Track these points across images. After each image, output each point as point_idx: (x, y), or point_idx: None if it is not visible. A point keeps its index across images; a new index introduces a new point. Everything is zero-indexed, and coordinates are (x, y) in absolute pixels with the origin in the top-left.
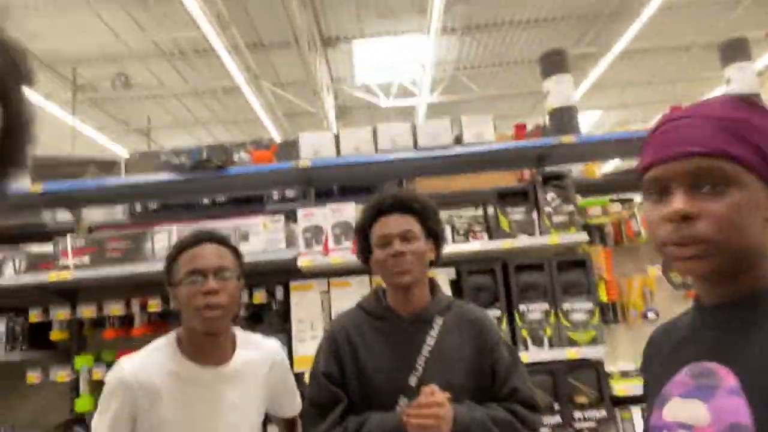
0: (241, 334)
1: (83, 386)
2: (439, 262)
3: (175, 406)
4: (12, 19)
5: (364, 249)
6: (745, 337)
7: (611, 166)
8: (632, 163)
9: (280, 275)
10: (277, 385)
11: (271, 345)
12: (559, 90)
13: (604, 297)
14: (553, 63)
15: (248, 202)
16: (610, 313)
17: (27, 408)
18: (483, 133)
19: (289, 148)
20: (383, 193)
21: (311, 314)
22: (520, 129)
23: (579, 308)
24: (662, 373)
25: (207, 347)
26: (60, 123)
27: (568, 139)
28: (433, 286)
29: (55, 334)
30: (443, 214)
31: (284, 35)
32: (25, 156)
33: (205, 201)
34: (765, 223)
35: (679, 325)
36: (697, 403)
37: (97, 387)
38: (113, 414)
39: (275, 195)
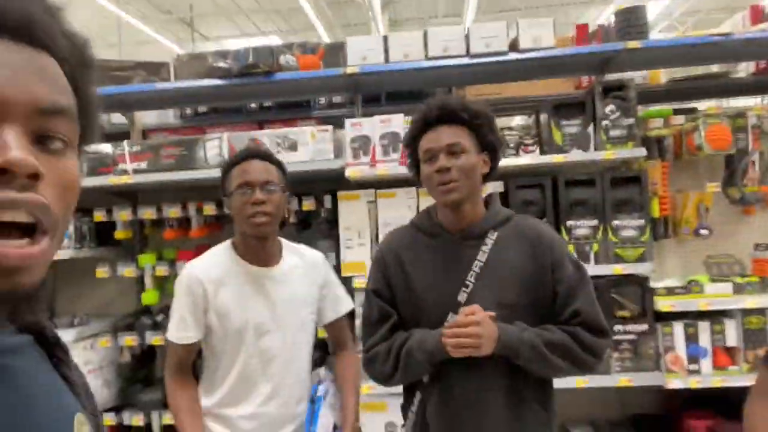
0: (287, 243)
1: (148, 281)
2: (494, 175)
3: (233, 294)
4: None
5: (414, 163)
6: None
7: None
8: (701, 69)
9: (329, 184)
10: (321, 289)
11: (315, 254)
12: None
13: (656, 212)
14: None
15: (295, 107)
16: (661, 229)
17: (97, 300)
18: (541, 37)
19: (336, 52)
20: (430, 103)
21: (358, 223)
22: (582, 31)
23: (629, 225)
24: None
25: (257, 250)
26: (106, 13)
27: (633, 44)
28: (489, 200)
29: (119, 234)
30: (503, 121)
31: None
32: (97, 132)
33: (253, 105)
34: None
35: None
36: None
37: (160, 282)
38: (188, 300)
39: (322, 100)
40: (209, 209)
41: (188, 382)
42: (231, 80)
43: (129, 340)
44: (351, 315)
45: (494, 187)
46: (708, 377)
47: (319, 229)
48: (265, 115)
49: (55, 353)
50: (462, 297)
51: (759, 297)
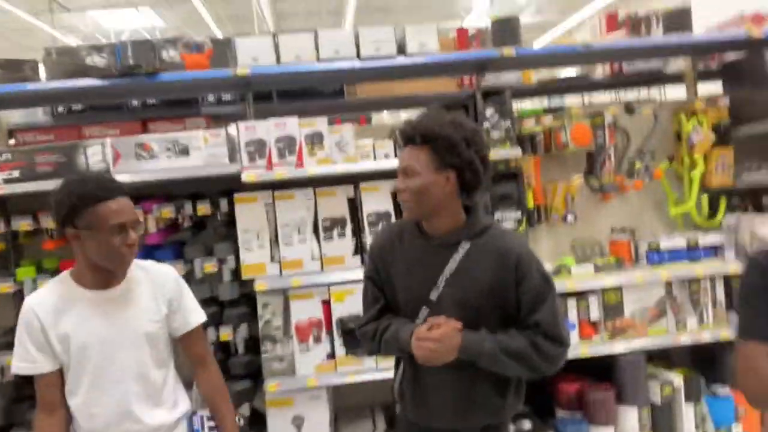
0: (135, 262)
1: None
2: (478, 185)
3: (74, 321)
4: None
5: None
6: None
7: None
8: (567, 71)
9: (224, 184)
10: (170, 303)
11: (163, 268)
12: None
13: (530, 203)
14: None
15: (182, 105)
16: (535, 216)
17: None
18: (427, 42)
19: (224, 49)
20: (402, 124)
21: (257, 225)
22: (463, 35)
23: (509, 217)
24: None
25: (104, 278)
26: None
27: (509, 51)
28: (470, 210)
29: None
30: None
31: None
32: None
33: (135, 103)
34: None
35: None
36: None
37: None
38: (25, 332)
39: (210, 98)
40: None
41: (54, 416)
42: (112, 81)
43: (9, 359)
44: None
45: (389, 186)
46: (576, 348)
47: (216, 231)
48: (150, 112)
49: None
50: (433, 295)
51: (615, 276)
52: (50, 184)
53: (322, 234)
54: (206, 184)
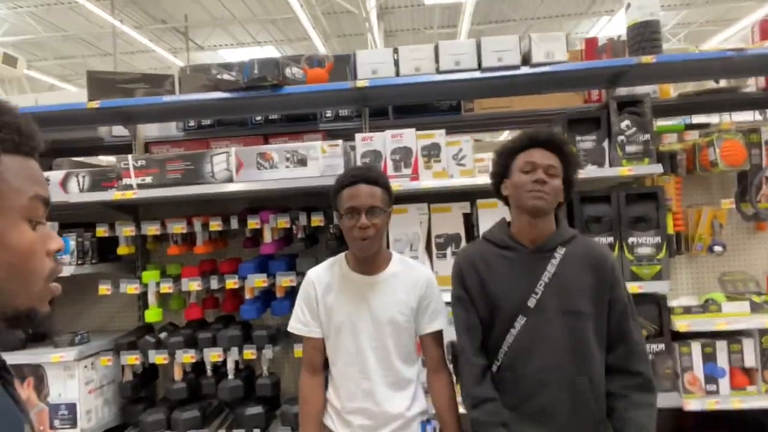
0: (398, 256)
1: (151, 298)
2: (565, 201)
3: (338, 296)
4: None
5: (501, 172)
6: None
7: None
8: (711, 83)
9: None
10: (421, 300)
11: (422, 268)
12: (642, 2)
13: (670, 229)
14: None
15: (301, 120)
16: (674, 245)
17: (98, 317)
18: (554, 51)
19: (343, 65)
20: (537, 130)
21: None
22: (591, 45)
23: (645, 242)
24: None
25: (361, 262)
26: (101, 22)
27: (647, 59)
28: (558, 219)
29: (122, 249)
30: (506, 135)
31: None
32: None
33: (258, 118)
34: None
35: None
36: None
37: (163, 299)
38: (303, 298)
39: (328, 113)
40: (215, 225)
41: (315, 376)
42: (239, 93)
43: (131, 358)
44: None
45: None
46: (726, 398)
47: (327, 244)
48: (271, 128)
49: (1, 374)
50: (531, 302)
51: None
52: (178, 190)
53: (435, 251)
54: (321, 197)
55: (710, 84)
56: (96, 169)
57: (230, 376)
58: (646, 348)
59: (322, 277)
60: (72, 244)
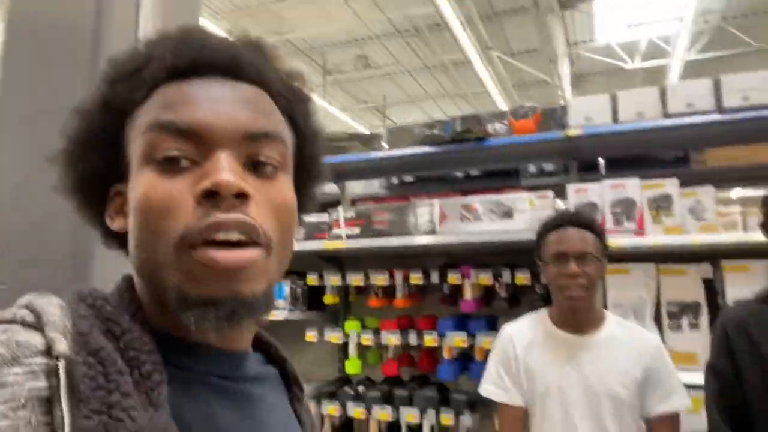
0: (614, 317)
1: (351, 349)
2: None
3: (541, 356)
4: (271, 12)
5: None
6: None
7: None
8: None
9: None
10: (648, 371)
11: (648, 334)
12: None
13: None
14: None
15: (504, 176)
16: None
17: (304, 361)
18: None
19: (550, 118)
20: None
21: None
22: None
23: None
24: None
25: (570, 319)
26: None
27: None
28: None
29: (328, 298)
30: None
31: (519, 1)
32: (319, 165)
33: (459, 174)
34: None
35: None
36: None
37: (363, 351)
38: (499, 358)
39: (531, 168)
40: (415, 278)
41: None
42: (443, 147)
43: (331, 409)
44: None
45: (763, 266)
46: None
47: (531, 305)
48: (471, 184)
49: (293, 390)
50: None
51: None
52: (383, 242)
53: (666, 321)
54: (526, 254)
55: None
56: (311, 221)
57: None
58: None
59: (523, 333)
60: (287, 290)
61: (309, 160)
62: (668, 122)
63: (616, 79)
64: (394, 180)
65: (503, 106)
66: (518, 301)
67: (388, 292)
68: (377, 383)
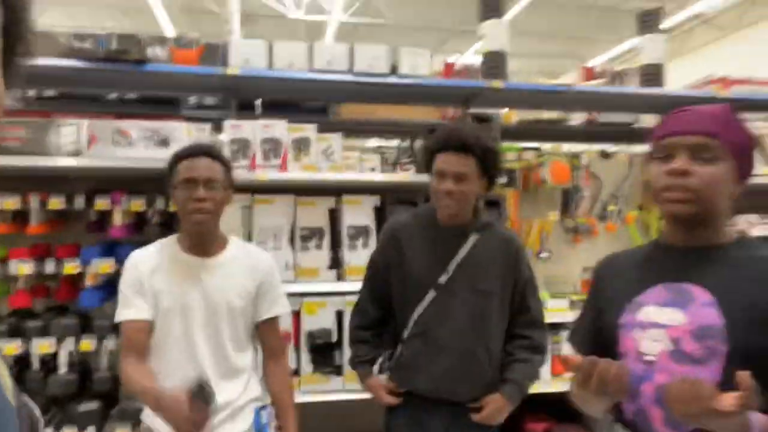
0: (235, 240)
1: None
2: (489, 192)
3: (167, 279)
4: None
5: (427, 167)
6: (718, 269)
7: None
8: (546, 113)
9: None
10: (260, 286)
11: (261, 253)
12: (494, 34)
13: None
14: (491, 7)
15: (162, 104)
16: None
17: None
18: (419, 65)
19: (213, 53)
20: (449, 131)
21: (231, 227)
22: (449, 67)
23: None
24: (629, 288)
25: (196, 243)
26: None
27: (497, 83)
28: (476, 208)
29: None
30: (371, 142)
31: None
32: (28, 46)
33: (113, 96)
34: (728, 195)
35: (631, 256)
36: (674, 309)
37: None
38: (126, 282)
39: (192, 100)
40: (55, 202)
41: (141, 363)
42: (96, 64)
43: None
44: None
45: (372, 201)
46: (547, 383)
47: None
48: (126, 108)
49: None
50: (443, 279)
51: None
52: (15, 160)
53: (299, 243)
54: None
55: (546, 115)
56: None
57: (62, 370)
58: (543, 319)
59: (148, 259)
60: None
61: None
62: (313, 75)
63: (283, 26)
64: (31, 93)
65: (169, 31)
66: (172, 228)
67: (21, 217)
68: (3, 316)
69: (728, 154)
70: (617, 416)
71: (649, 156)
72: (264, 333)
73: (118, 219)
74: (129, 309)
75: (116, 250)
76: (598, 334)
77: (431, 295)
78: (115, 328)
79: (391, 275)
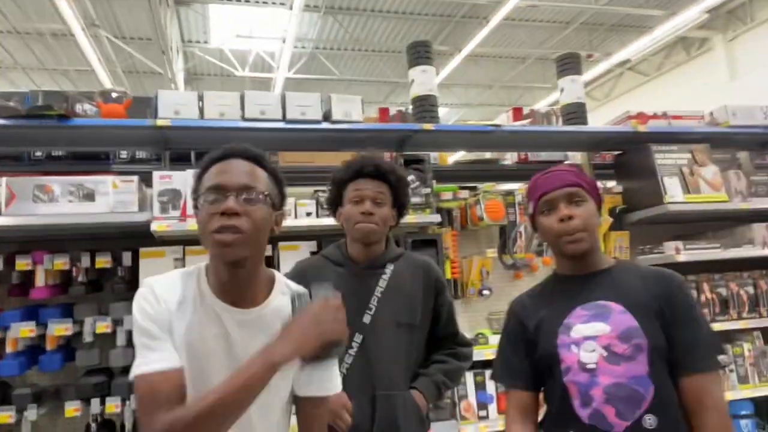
0: (281, 279)
1: None
2: (397, 223)
3: (186, 329)
4: None
5: (335, 200)
6: (614, 285)
7: (460, 156)
8: (477, 155)
9: (129, 240)
10: None
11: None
12: (423, 80)
13: (448, 274)
14: (419, 54)
15: (91, 159)
16: (452, 290)
17: None
18: (351, 112)
19: (143, 107)
20: (366, 158)
21: None
22: (384, 113)
23: None
24: (553, 316)
25: (228, 282)
26: None
27: (428, 126)
28: (387, 239)
29: None
30: (307, 190)
31: None
32: None
33: (38, 154)
34: (597, 227)
35: (539, 293)
36: (598, 322)
37: None
38: (150, 316)
39: (123, 154)
40: None
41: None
42: (18, 121)
43: None
44: None
45: (309, 246)
46: (495, 421)
47: (114, 289)
48: (53, 166)
49: None
50: (366, 318)
51: None
52: None
53: None
54: (109, 241)
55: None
56: None
57: None
58: (467, 338)
59: (173, 292)
60: None
61: None
62: (245, 124)
63: (229, 83)
64: None
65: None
66: (100, 287)
67: None
68: None
69: (589, 196)
70: (567, 426)
71: (531, 216)
72: (305, 414)
73: (40, 280)
74: (161, 353)
75: (39, 312)
76: (536, 362)
77: (359, 338)
78: (37, 398)
79: None
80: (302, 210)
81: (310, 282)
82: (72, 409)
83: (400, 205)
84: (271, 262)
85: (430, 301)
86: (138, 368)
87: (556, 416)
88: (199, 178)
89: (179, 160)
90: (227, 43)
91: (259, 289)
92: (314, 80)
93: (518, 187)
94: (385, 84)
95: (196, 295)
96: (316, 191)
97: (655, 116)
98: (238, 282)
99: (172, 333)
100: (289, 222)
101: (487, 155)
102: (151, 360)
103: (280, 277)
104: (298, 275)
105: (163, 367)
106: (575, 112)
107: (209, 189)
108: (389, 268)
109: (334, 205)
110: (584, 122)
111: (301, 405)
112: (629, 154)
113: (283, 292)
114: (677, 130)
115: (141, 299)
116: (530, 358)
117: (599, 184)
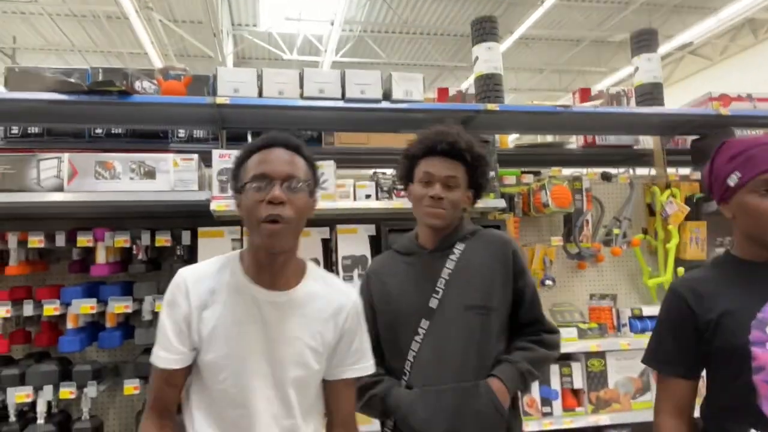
0: (314, 267)
1: None
2: (475, 202)
3: (221, 316)
4: None
5: (406, 175)
6: None
7: (515, 139)
8: (541, 138)
9: (188, 219)
10: (343, 336)
11: (347, 291)
12: (488, 57)
13: None
14: (484, 30)
15: (150, 138)
16: None
17: None
18: (412, 91)
19: (202, 86)
20: (441, 133)
21: None
22: (443, 93)
23: None
24: (741, 307)
25: (264, 266)
26: None
27: (492, 106)
28: (460, 218)
29: None
30: (366, 172)
31: None
32: None
33: (98, 131)
34: None
35: (712, 277)
36: None
37: None
38: (171, 315)
39: (181, 133)
40: (35, 241)
41: (164, 421)
42: (80, 96)
43: None
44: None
45: (367, 229)
46: (559, 418)
47: (173, 268)
48: (112, 143)
49: None
50: (433, 303)
51: (599, 340)
52: None
53: None
54: (168, 219)
55: (543, 139)
56: None
57: (40, 421)
58: (554, 325)
59: (202, 286)
60: None
61: None
62: (304, 102)
63: (277, 67)
64: (14, 130)
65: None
66: (159, 266)
67: (0, 258)
68: None
69: None
70: (749, 423)
71: (728, 190)
72: (337, 396)
73: (101, 257)
74: (167, 353)
75: (99, 289)
76: (712, 352)
77: (424, 324)
78: (97, 374)
79: (378, 317)
80: (361, 192)
81: (383, 275)
82: (131, 386)
83: (477, 186)
84: (329, 244)
85: (509, 281)
86: (151, 356)
87: (734, 411)
88: (240, 165)
89: (235, 140)
90: (276, 27)
91: (292, 273)
92: (360, 63)
93: (585, 173)
94: (431, 68)
95: (231, 281)
96: (375, 173)
97: (739, 98)
98: (274, 266)
99: (192, 332)
100: (347, 203)
101: (549, 138)
102: (156, 354)
103: (313, 265)
104: (372, 271)
105: (162, 366)
106: (651, 93)
107: (255, 177)
108: (459, 248)
109: (405, 180)
110: (661, 104)
111: (332, 384)
112: (709, 138)
113: (315, 278)
114: (764, 114)
115: (169, 293)
116: (698, 347)
117: (671, 170)
